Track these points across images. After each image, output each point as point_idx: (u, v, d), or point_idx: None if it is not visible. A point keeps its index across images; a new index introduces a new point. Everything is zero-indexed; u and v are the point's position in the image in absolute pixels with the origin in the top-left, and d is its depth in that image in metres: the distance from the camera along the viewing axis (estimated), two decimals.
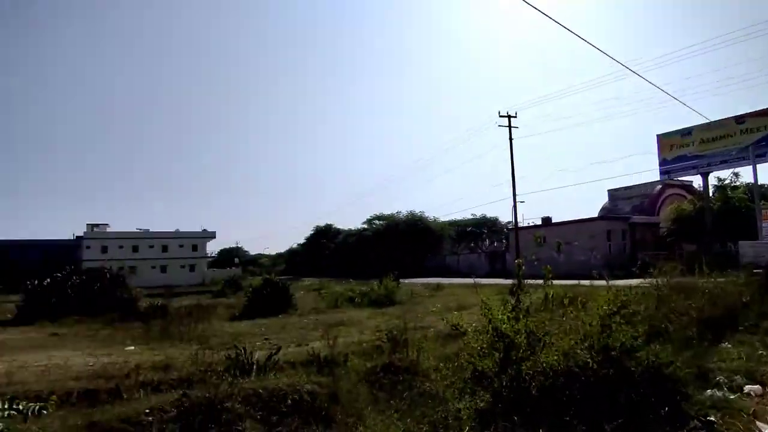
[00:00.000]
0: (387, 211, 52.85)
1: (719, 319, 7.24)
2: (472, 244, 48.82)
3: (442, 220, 50.34)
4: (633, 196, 31.18)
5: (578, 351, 3.99)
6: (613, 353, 3.89)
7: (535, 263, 29.17)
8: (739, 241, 11.08)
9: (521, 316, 4.27)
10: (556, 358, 3.95)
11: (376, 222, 51.98)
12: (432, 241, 47.32)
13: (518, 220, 34.14)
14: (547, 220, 32.91)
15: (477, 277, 30.75)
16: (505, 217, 50.67)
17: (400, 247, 46.13)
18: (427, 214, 49.94)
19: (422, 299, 19.75)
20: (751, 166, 21.53)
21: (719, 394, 3.99)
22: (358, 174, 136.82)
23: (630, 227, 28.09)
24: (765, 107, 21.42)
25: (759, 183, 31.18)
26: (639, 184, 30.80)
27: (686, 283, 9.00)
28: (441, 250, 46.77)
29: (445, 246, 48.80)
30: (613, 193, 33.14)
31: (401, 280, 23.50)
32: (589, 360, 3.89)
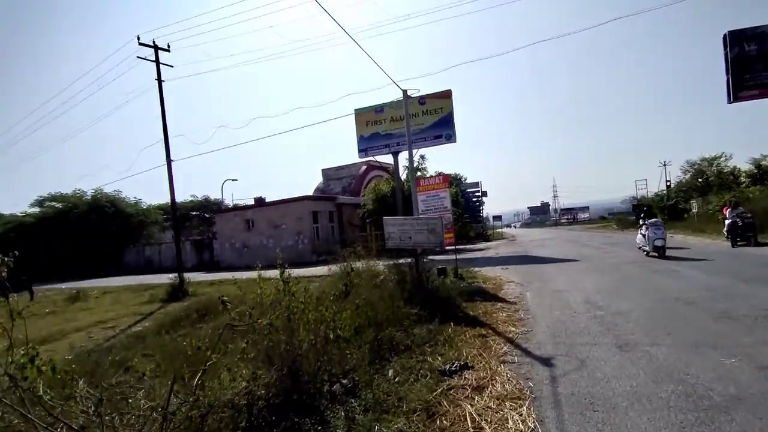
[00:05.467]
0: (68, 190, 37.81)
1: None
2: (197, 232, 40.53)
3: (156, 201, 39.85)
4: (343, 177, 30.53)
5: None
6: None
7: (245, 251, 23.58)
8: (384, 216, 8.31)
9: None
10: None
11: (52, 204, 36.12)
12: (130, 229, 36.28)
13: (227, 199, 28.16)
14: (260, 200, 28.56)
15: (185, 269, 23.46)
16: (212, 193, 44.44)
17: (84, 238, 33.32)
18: (125, 195, 38.02)
19: (26, 322, 11.78)
20: (434, 147, 22.58)
21: None
22: None
23: (337, 208, 26.77)
24: (446, 89, 22.28)
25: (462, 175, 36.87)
26: (349, 165, 30.31)
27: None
28: (143, 239, 36.47)
29: (156, 234, 38.66)
30: (327, 173, 31.91)
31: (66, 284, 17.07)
32: None
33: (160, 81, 14.98)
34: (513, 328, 5.88)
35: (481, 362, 4.61)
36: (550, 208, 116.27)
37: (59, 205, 35.62)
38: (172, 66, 15.76)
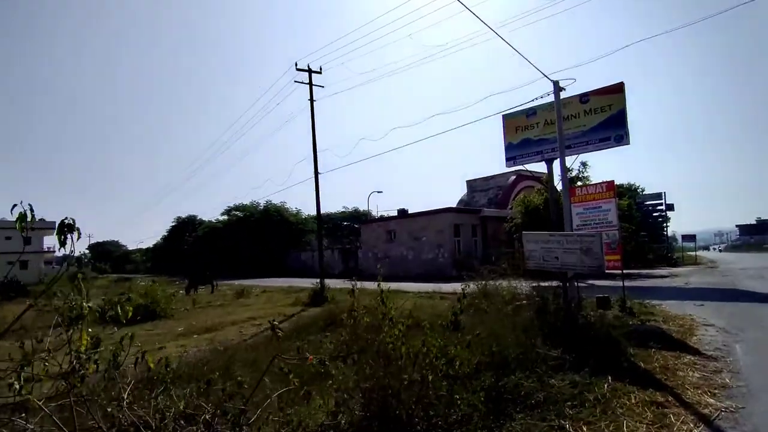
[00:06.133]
0: (245, 200, 46.64)
1: None
2: (346, 241, 44.44)
3: (312, 212, 45.41)
4: (489, 188, 28.83)
5: None
6: None
7: (386, 261, 24.54)
8: (523, 231, 7.15)
9: None
10: None
11: (236, 213, 45.02)
12: (292, 235, 41.89)
13: (373, 211, 29.93)
14: (402, 212, 29.23)
15: (331, 276, 25.88)
16: (360, 205, 46.99)
17: (256, 242, 40.10)
18: (288, 205, 44.42)
19: (201, 311, 14.70)
20: (596, 152, 19.50)
21: None
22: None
23: (482, 221, 25.33)
24: (617, 83, 19.10)
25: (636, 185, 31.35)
26: (496, 175, 28.54)
27: None
28: (302, 245, 41.49)
29: (312, 242, 43.87)
30: (471, 184, 30.65)
31: (237, 281, 22.24)
32: None
33: (312, 101, 16.58)
34: (710, 399, 4.01)
35: None
36: None
37: (240, 214, 43.64)
38: (322, 86, 17.29)
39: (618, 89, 18.68)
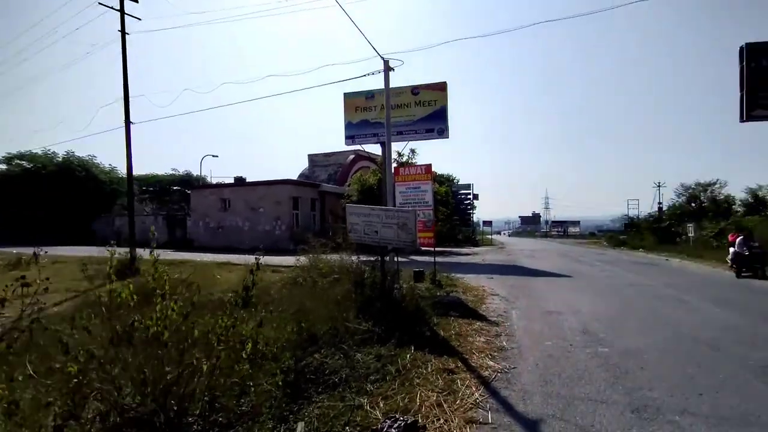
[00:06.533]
0: (23, 145, 36.14)
1: None
2: (176, 207, 38.59)
3: (139, 173, 37.82)
4: (330, 164, 28.95)
5: None
6: None
7: (219, 231, 21.83)
8: (347, 204, 6.93)
9: None
10: None
11: (21, 163, 34.14)
12: (103, 197, 34.40)
13: (208, 176, 26.81)
14: (240, 180, 26.93)
15: (156, 246, 21.66)
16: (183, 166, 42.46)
17: (53, 202, 31.53)
18: (100, 161, 36.33)
19: None
20: (423, 142, 21.31)
21: None
22: None
23: (321, 196, 25.20)
24: (441, 81, 20.89)
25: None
26: (337, 152, 28.74)
27: None
28: (117, 209, 34.55)
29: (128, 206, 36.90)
30: (313, 159, 30.30)
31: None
32: None
33: (123, 33, 13.30)
34: (491, 362, 4.46)
35: (438, 419, 3.17)
36: (541, 219, 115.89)
37: (28, 164, 33.67)
38: (140, 18, 14.04)
39: (442, 87, 20.74)
